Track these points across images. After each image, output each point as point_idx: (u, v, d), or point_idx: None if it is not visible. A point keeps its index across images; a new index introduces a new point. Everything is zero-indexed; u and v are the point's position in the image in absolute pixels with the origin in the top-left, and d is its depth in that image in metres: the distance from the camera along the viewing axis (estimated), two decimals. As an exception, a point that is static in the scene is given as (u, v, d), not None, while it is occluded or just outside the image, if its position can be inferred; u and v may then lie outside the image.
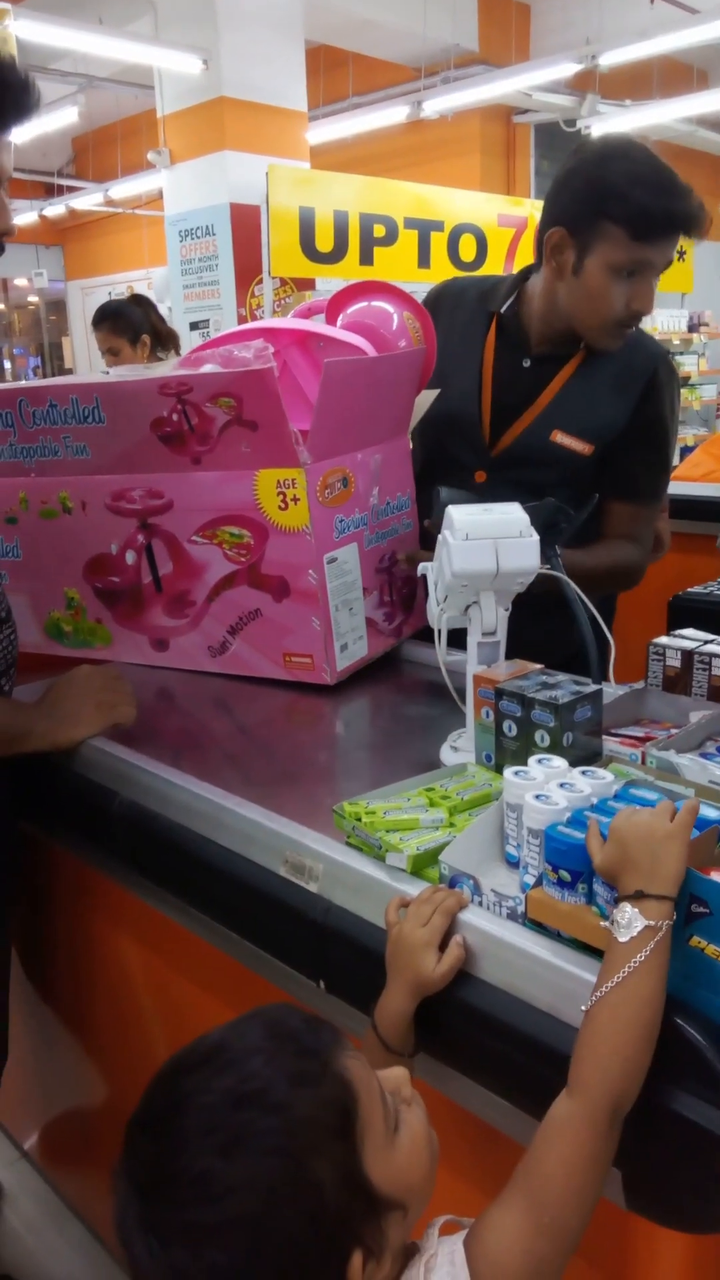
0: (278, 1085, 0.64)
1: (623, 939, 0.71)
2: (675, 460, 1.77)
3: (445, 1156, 0.86)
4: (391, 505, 1.62)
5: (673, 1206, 0.75)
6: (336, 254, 5.93)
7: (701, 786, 0.93)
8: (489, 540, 1.13)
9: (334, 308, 1.72)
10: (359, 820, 1.00)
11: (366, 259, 6.16)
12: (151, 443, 1.49)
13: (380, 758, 1.39)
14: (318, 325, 1.68)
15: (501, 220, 6.62)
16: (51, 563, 1.69)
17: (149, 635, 1.65)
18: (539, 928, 0.85)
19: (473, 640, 1.20)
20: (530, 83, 6.80)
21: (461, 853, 0.93)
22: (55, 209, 10.73)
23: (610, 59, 6.28)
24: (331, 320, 1.70)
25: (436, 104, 7.01)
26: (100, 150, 10.41)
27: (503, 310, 1.69)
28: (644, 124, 7.98)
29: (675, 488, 3.66)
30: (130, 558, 1.61)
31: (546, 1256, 0.67)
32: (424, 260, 6.39)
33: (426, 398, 1.68)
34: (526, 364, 1.67)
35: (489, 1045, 0.83)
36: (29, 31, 4.82)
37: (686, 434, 7.36)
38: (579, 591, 1.37)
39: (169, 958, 1.33)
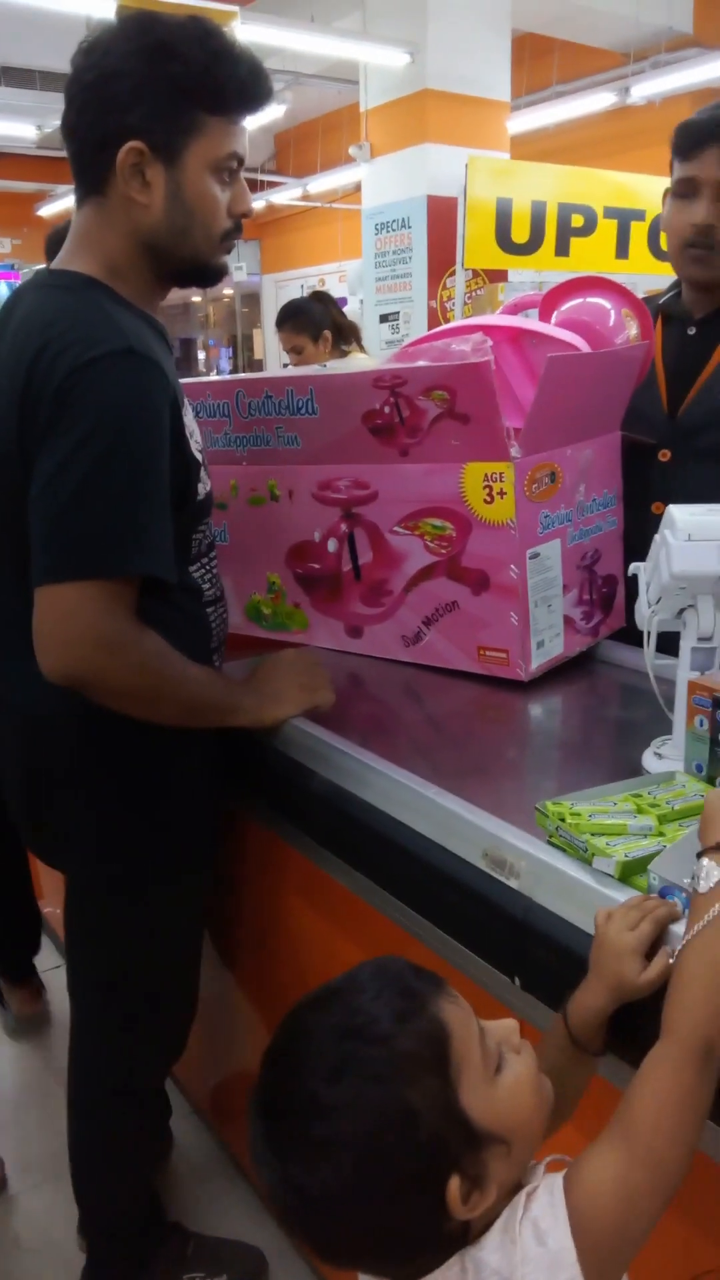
0: (380, 1021, 0.70)
1: (702, 889, 0.76)
2: None
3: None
4: (597, 502, 1.59)
5: None
6: (532, 244, 5.85)
7: None
8: (714, 542, 1.09)
9: (548, 304, 1.70)
10: (563, 820, 0.98)
11: (563, 250, 6.04)
12: (361, 434, 1.51)
13: (576, 758, 1.37)
14: (532, 322, 1.66)
15: (709, 210, 6.35)
16: (256, 547, 1.74)
17: (345, 622, 1.68)
18: (758, 948, 0.81)
19: (686, 645, 1.16)
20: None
21: (674, 863, 0.90)
22: (255, 204, 11.05)
23: None
24: (545, 317, 1.68)
25: (644, 89, 6.78)
26: (301, 146, 10.63)
27: (662, 301, 1.73)
28: None
29: None
30: (332, 545, 1.64)
31: (640, 1189, 0.69)
32: (622, 250, 6.22)
33: None
34: (691, 331, 1.68)
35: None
36: (248, 33, 4.96)
37: None
38: None
39: (354, 936, 1.35)
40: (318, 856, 1.31)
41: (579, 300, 1.66)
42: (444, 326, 1.62)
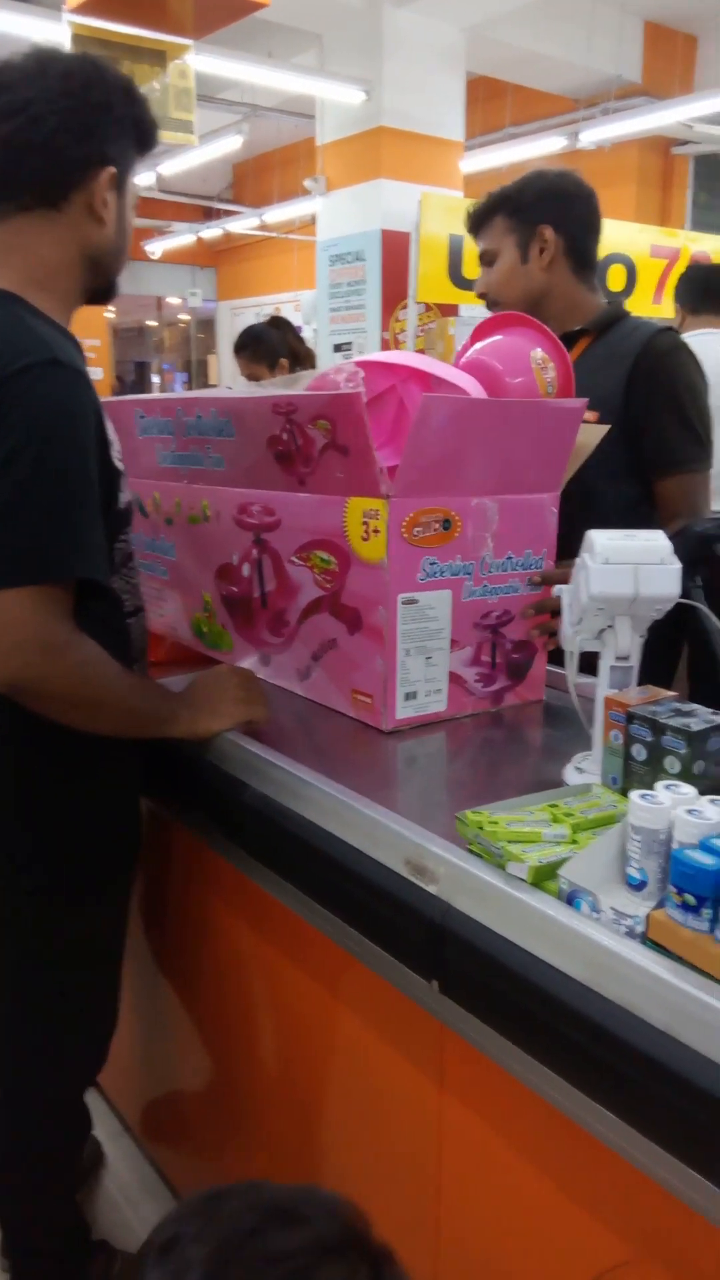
0: None
1: None
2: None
3: (560, 1174, 0.87)
4: (515, 562, 1.51)
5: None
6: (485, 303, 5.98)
7: None
8: (629, 565, 1.14)
9: (472, 341, 1.73)
10: (481, 829, 1.02)
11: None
12: (269, 460, 1.51)
13: (501, 773, 1.40)
14: (428, 362, 1.64)
15: (654, 251, 6.55)
16: (194, 566, 1.77)
17: (257, 648, 1.67)
18: (658, 948, 0.85)
19: (605, 664, 1.21)
20: (693, 114, 6.72)
21: (583, 869, 0.94)
22: (212, 232, 11.14)
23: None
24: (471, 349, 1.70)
25: (593, 134, 7.00)
26: (259, 176, 10.76)
27: None
28: None
29: None
30: (246, 570, 1.65)
31: None
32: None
33: (586, 440, 1.60)
34: None
35: (603, 1059, 0.84)
36: (204, 65, 5.04)
37: None
38: (717, 624, 1.36)
39: (280, 944, 1.37)
40: (246, 866, 1.33)
41: (496, 339, 1.66)
42: (361, 358, 1.62)
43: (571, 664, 1.28)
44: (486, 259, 1.91)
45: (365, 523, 1.38)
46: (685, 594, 1.19)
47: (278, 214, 9.55)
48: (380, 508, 1.35)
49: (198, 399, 1.64)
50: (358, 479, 1.37)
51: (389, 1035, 1.19)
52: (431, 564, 1.41)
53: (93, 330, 11.29)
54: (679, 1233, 0.85)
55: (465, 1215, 1.12)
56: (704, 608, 1.36)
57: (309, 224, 8.76)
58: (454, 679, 1.48)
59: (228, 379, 12.26)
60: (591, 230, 1.89)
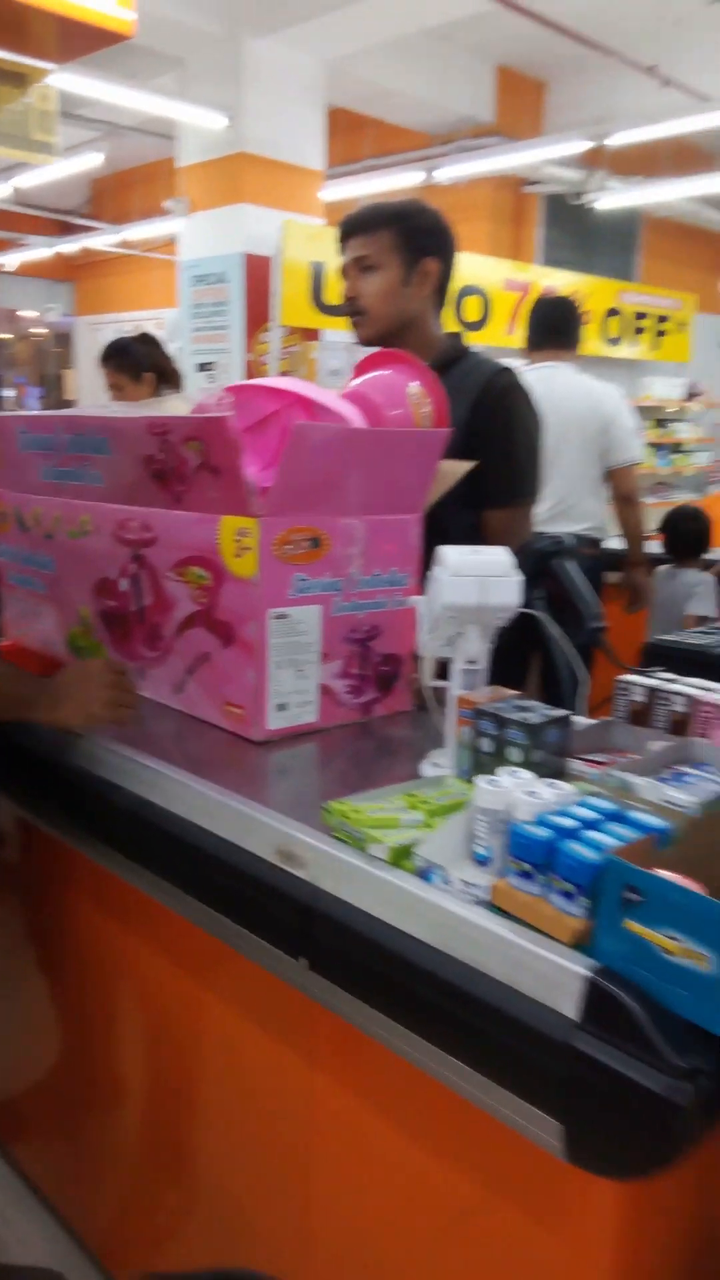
0: None
1: None
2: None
3: (421, 1130, 0.97)
4: (381, 579, 1.59)
5: (608, 1156, 0.85)
6: (344, 307, 6.14)
7: (652, 803, 1.05)
8: (476, 578, 1.26)
9: (357, 372, 1.85)
10: (345, 817, 1.11)
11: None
12: (145, 478, 1.56)
13: (366, 774, 1.50)
14: (314, 390, 1.74)
15: (508, 285, 6.87)
16: (72, 580, 1.80)
17: (133, 662, 1.70)
18: (501, 913, 0.96)
19: (456, 667, 1.32)
20: (542, 157, 7.08)
21: (435, 848, 1.04)
22: (69, 247, 10.99)
23: (619, 139, 6.57)
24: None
25: (449, 171, 7.29)
26: (119, 194, 10.69)
27: None
28: (650, 200, 8.31)
29: (654, 546, 3.84)
30: (124, 585, 1.69)
31: None
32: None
33: (450, 473, 1.72)
34: None
35: (456, 1014, 0.94)
36: (64, 82, 5.03)
37: (678, 498, 7.56)
38: (559, 631, 1.50)
39: (157, 941, 1.43)
40: (118, 865, 1.39)
41: (376, 374, 1.80)
42: (239, 384, 1.71)
43: (426, 669, 1.39)
44: (362, 264, 1.95)
45: (237, 540, 1.45)
46: (529, 605, 1.32)
47: (138, 232, 9.53)
48: (251, 526, 1.42)
49: (76, 417, 1.69)
50: (229, 498, 1.44)
51: (262, 1019, 1.27)
52: (301, 580, 1.48)
53: (-55, 343, 10.98)
54: (530, 1172, 0.96)
55: (336, 1181, 1.20)
56: (545, 617, 1.50)
57: (170, 243, 8.78)
58: (325, 691, 1.55)
59: (86, 395, 12.10)
60: (450, 273, 2.03)
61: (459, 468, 1.72)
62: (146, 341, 4.06)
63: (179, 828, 1.25)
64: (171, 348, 5.81)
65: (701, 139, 7.94)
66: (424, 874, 1.03)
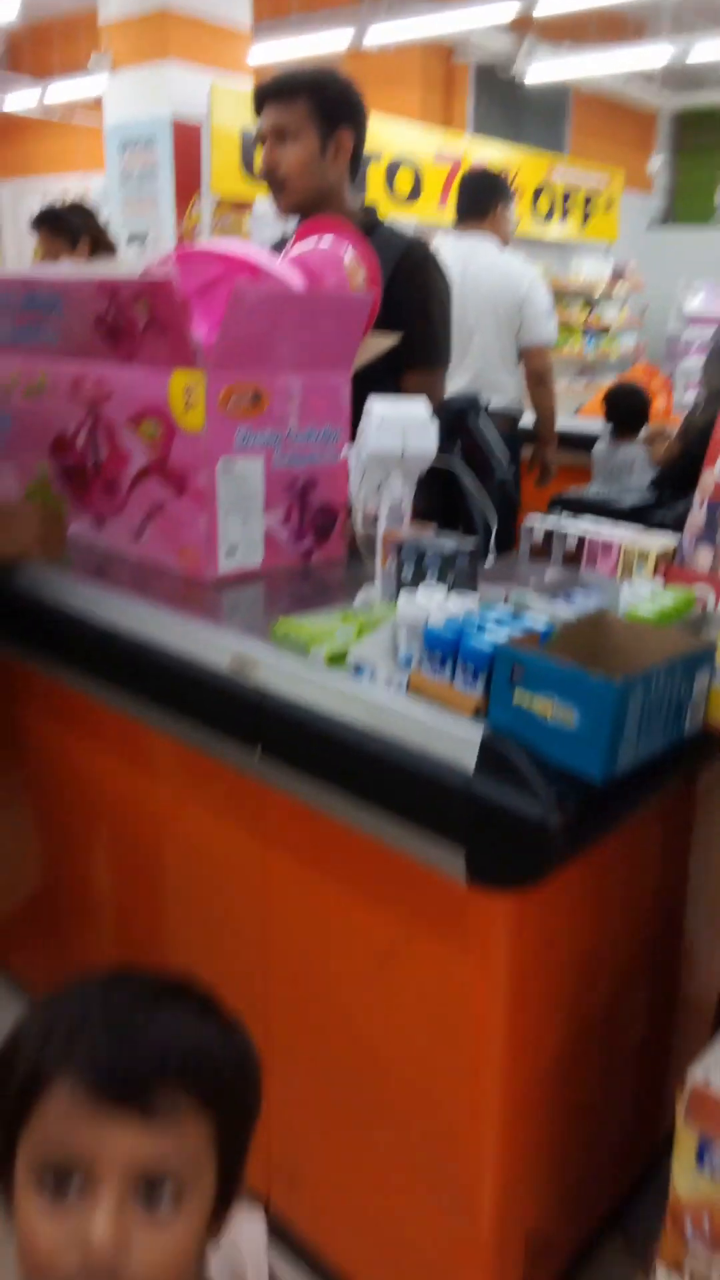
0: None
1: None
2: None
3: (356, 881, 1.20)
4: (315, 434, 1.74)
5: (500, 873, 1.10)
6: (264, 176, 6.06)
7: (540, 613, 1.27)
8: (398, 426, 1.45)
9: (297, 238, 1.96)
10: (290, 630, 1.32)
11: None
12: (97, 336, 1.68)
13: (305, 604, 1.67)
14: (257, 255, 1.86)
15: (439, 158, 6.81)
16: (30, 438, 1.92)
17: (90, 513, 1.85)
18: (417, 696, 1.19)
19: (383, 509, 1.52)
20: (471, 21, 6.94)
21: (365, 650, 1.26)
22: (-14, 106, 10.44)
23: (547, 7, 6.48)
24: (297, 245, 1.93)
25: (377, 35, 7.11)
26: (38, 48, 10.14)
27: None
28: (579, 75, 8.19)
29: (562, 423, 4.02)
30: (81, 440, 1.81)
31: None
32: (359, 190, 6.56)
33: (377, 342, 1.86)
34: None
35: (381, 779, 1.17)
36: None
37: (603, 382, 7.74)
38: (473, 481, 1.70)
39: (124, 753, 1.64)
40: (92, 687, 1.59)
41: (315, 240, 1.93)
42: (188, 247, 1.83)
43: (358, 515, 1.59)
44: (277, 134, 2.01)
45: (186, 395, 1.59)
46: (445, 460, 1.51)
47: (61, 91, 9.10)
48: (197, 381, 1.57)
49: (28, 278, 1.78)
50: (177, 355, 1.58)
51: (220, 809, 1.50)
52: (245, 433, 1.64)
53: None
54: (442, 904, 1.20)
55: (290, 940, 1.45)
56: (461, 468, 1.69)
57: (95, 105, 8.43)
58: (268, 537, 1.73)
59: (11, 262, 11.66)
60: (363, 144, 2.12)
61: (383, 341, 1.88)
62: (81, 210, 4.05)
63: (147, 649, 1.45)
64: (100, 218, 5.71)
65: (629, 9, 7.82)
66: (356, 670, 1.25)
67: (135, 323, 1.61)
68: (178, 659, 1.41)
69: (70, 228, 3.86)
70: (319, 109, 2.00)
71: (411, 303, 2.00)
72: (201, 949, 1.60)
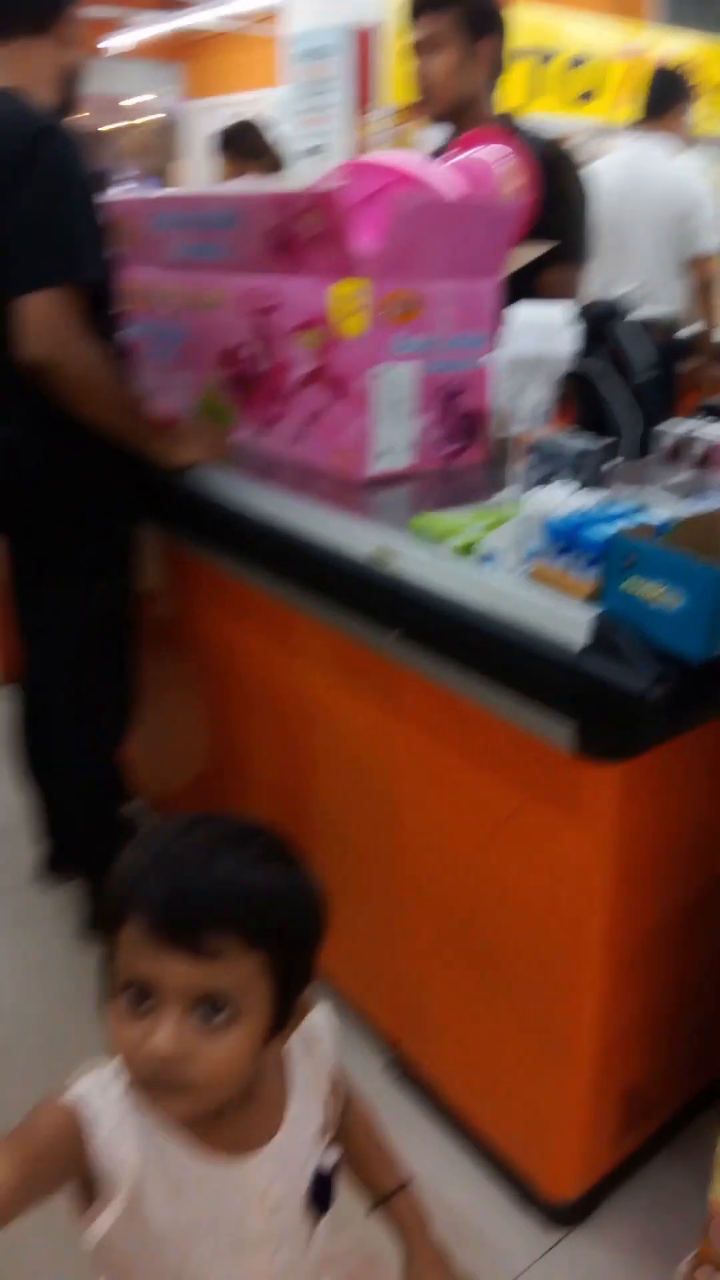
0: None
1: None
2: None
3: (478, 755, 1.32)
4: (464, 340, 1.80)
5: (606, 744, 1.19)
6: (414, 86, 5.95)
7: (663, 509, 1.33)
8: (537, 331, 1.51)
9: (463, 148, 2.02)
10: (427, 524, 1.43)
11: (485, 88, 6.15)
12: (268, 249, 1.79)
13: (449, 503, 1.77)
14: (418, 164, 1.92)
15: (623, 52, 6.49)
16: (204, 349, 2.06)
17: (255, 420, 1.99)
18: (539, 584, 1.28)
19: (522, 411, 1.59)
20: None
21: (495, 541, 1.35)
22: (175, 24, 10.58)
23: None
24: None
25: None
26: (221, -40, 10.16)
27: None
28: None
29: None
30: (249, 351, 1.95)
31: None
32: (536, 90, 6.34)
33: (529, 250, 1.91)
34: None
35: (505, 658, 1.27)
36: None
37: None
38: (613, 384, 1.73)
39: (272, 633, 1.82)
40: (245, 573, 1.77)
41: (476, 150, 1.98)
42: (354, 160, 1.92)
43: (499, 420, 1.66)
44: (426, 47, 2.12)
45: (346, 303, 1.69)
46: (589, 365, 1.56)
47: (245, 3, 9.14)
48: (359, 290, 1.66)
49: (207, 195, 1.92)
50: (341, 265, 1.67)
51: (360, 688, 1.65)
52: (399, 339, 1.73)
53: (53, 134, 10.85)
54: (553, 772, 1.31)
55: (418, 809, 1.60)
56: (601, 371, 1.73)
57: (273, 18, 8.42)
58: (417, 440, 1.82)
59: (196, 182, 11.90)
60: (503, 52, 2.18)
61: (535, 248, 1.93)
62: (257, 127, 4.17)
63: (299, 541, 1.59)
64: (276, 132, 5.79)
65: None
66: (484, 560, 1.35)
67: (303, 235, 1.71)
68: (326, 550, 1.54)
69: (250, 145, 4.00)
70: (465, 20, 2.08)
71: (548, 200, 2.03)
72: (341, 812, 1.77)
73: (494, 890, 1.47)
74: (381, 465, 1.79)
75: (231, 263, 1.93)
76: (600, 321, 1.72)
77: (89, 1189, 0.81)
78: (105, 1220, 0.80)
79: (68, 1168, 0.80)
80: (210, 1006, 0.76)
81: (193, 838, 0.80)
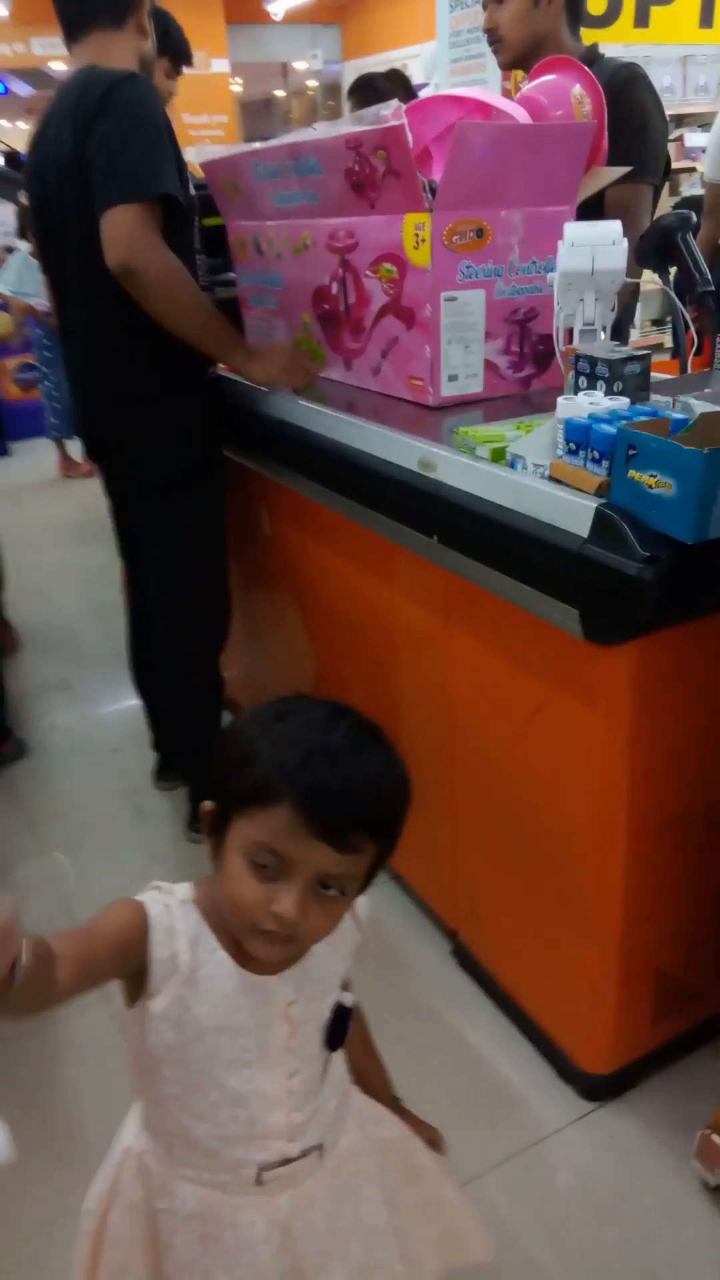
0: None
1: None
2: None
3: (501, 643, 1.41)
4: (538, 265, 1.83)
5: (609, 627, 1.26)
6: (609, 16, 5.76)
7: (690, 409, 1.36)
8: (588, 247, 1.55)
9: (530, 78, 2.06)
10: (467, 435, 1.52)
11: (642, 20, 5.91)
12: (347, 190, 1.87)
13: (494, 416, 1.84)
14: (489, 95, 1.95)
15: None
16: (297, 293, 2.18)
17: (342, 356, 2.08)
18: (559, 483, 1.35)
19: (576, 327, 1.64)
20: None
21: (524, 446, 1.43)
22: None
23: None
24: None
25: None
26: None
27: None
28: None
29: None
30: (335, 289, 2.04)
31: None
32: (707, 19, 6.06)
33: (604, 174, 1.93)
34: None
35: (531, 555, 1.35)
36: None
37: None
38: (676, 300, 1.75)
39: (330, 541, 1.98)
40: (308, 489, 1.92)
41: (546, 78, 2.01)
42: (429, 95, 1.98)
43: (559, 335, 1.71)
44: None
45: (416, 234, 1.75)
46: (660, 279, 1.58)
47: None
48: (426, 220, 1.72)
49: (294, 143, 1.99)
50: (410, 198, 1.74)
51: (408, 592, 1.76)
52: (468, 267, 1.78)
53: (218, 106, 11.22)
54: (571, 661, 1.38)
55: (467, 702, 1.70)
56: (666, 284, 1.75)
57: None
58: (489, 366, 1.88)
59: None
60: None
61: (610, 172, 1.94)
62: (393, 78, 4.21)
63: (354, 455, 1.71)
64: (430, 88, 5.79)
65: None
66: (512, 464, 1.43)
67: (376, 172, 1.79)
68: (376, 463, 1.66)
69: (380, 94, 4.05)
70: None
71: (618, 118, 2.03)
72: (404, 714, 1.89)
73: (530, 780, 1.56)
74: (451, 390, 1.86)
75: (320, 207, 2.02)
76: (668, 233, 1.73)
77: (140, 984, 0.93)
78: (159, 1002, 0.92)
79: (129, 954, 0.92)
80: (326, 883, 0.86)
81: (337, 733, 0.86)
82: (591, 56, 2.16)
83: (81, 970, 0.83)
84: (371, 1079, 1.13)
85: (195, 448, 2.05)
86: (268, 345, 1.98)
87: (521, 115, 1.87)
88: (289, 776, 0.82)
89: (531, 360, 1.95)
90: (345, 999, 0.99)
